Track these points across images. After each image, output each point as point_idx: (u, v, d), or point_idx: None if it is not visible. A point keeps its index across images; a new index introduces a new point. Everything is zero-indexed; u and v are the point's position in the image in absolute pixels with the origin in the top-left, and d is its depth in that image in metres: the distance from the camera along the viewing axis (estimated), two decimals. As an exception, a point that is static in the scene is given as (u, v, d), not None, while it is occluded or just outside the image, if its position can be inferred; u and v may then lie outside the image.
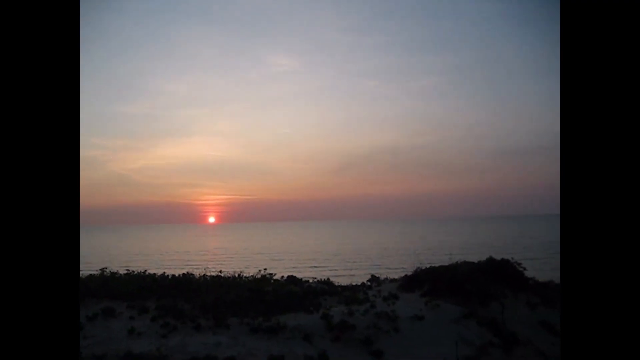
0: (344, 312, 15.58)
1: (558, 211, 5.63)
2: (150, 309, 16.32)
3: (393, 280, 22.33)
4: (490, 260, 21.48)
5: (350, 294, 18.66)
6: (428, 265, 21.46)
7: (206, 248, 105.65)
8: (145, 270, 22.57)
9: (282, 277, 22.61)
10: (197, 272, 22.48)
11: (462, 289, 18.19)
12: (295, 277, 22.65)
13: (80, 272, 21.55)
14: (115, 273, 21.43)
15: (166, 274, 21.99)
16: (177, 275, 21.94)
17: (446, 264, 21.61)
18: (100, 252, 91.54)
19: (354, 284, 22.22)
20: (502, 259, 21.49)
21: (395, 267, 47.84)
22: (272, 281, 21.21)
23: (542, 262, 50.89)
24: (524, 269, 21.22)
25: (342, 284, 21.81)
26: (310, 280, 22.14)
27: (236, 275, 21.50)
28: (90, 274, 21.48)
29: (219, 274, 21.79)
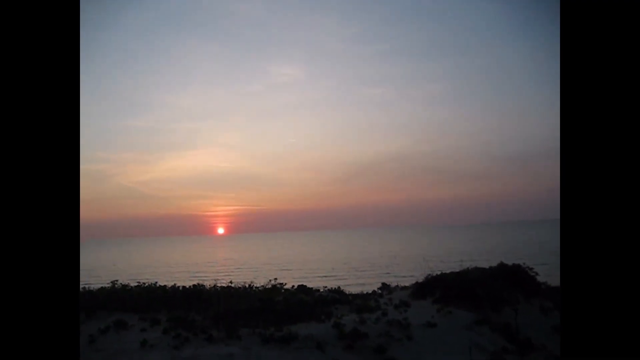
0: (355, 320, 15.52)
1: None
2: (162, 320, 16.31)
3: (404, 288, 22.24)
4: (502, 265, 21.36)
5: (362, 302, 18.59)
6: (439, 272, 21.34)
7: (215, 259, 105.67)
8: (156, 283, 22.55)
9: (293, 286, 22.54)
10: (207, 284, 22.45)
11: (474, 295, 18.08)
12: (305, 286, 22.58)
13: (91, 286, 21.63)
14: (126, 285, 21.42)
15: (177, 286, 21.96)
16: (187, 286, 21.93)
17: (457, 270, 21.50)
18: (109, 265, 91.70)
19: (364, 292, 22.12)
20: (514, 264, 21.38)
21: (404, 275, 47.63)
22: (283, 291, 21.15)
23: (553, 267, 50.41)
24: (536, 273, 21.08)
25: (353, 293, 21.72)
26: (321, 289, 22.05)
27: (247, 285, 21.46)
28: (102, 287, 21.49)
29: (230, 284, 21.75)
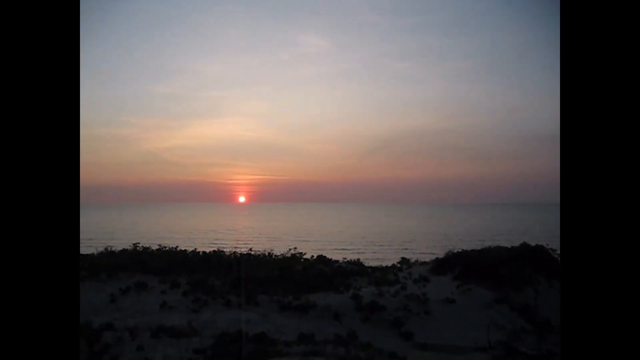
0: (374, 292, 15.47)
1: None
2: (182, 284, 16.47)
3: (423, 263, 22.13)
4: (524, 245, 21.09)
5: (381, 275, 18.55)
6: (459, 250, 21.17)
7: (234, 227, 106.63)
8: (177, 247, 22.77)
9: (312, 256, 22.58)
10: (227, 250, 22.62)
11: (495, 273, 17.91)
12: (325, 257, 22.60)
13: (112, 247, 21.88)
14: (147, 248, 21.66)
15: (197, 251, 22.16)
16: (207, 252, 22.12)
17: (477, 248, 21.30)
18: (131, 228, 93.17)
19: (383, 265, 22.06)
20: (537, 245, 21.08)
21: (422, 252, 47.40)
22: (302, 260, 21.20)
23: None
24: (559, 256, 20.77)
25: (372, 265, 21.69)
26: (340, 260, 22.05)
27: (266, 253, 21.55)
28: (123, 249, 21.76)
29: (249, 251, 21.87)
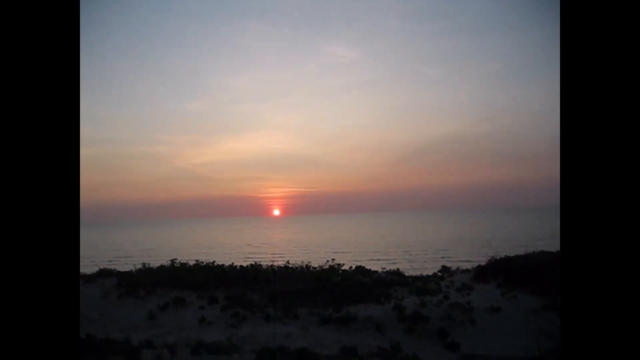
0: (416, 303, 15.03)
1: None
2: (220, 298, 16.31)
3: (465, 271, 21.54)
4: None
5: (422, 285, 18.05)
6: (502, 256, 20.52)
7: (269, 240, 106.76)
8: (214, 262, 22.69)
9: (350, 267, 22.20)
10: (263, 263, 22.46)
11: (541, 279, 17.23)
12: (363, 267, 22.22)
13: (149, 264, 21.92)
14: (185, 264, 21.64)
15: (234, 265, 22.05)
16: (244, 266, 21.98)
17: (521, 254, 20.62)
18: (167, 244, 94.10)
19: (424, 274, 21.52)
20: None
21: (461, 259, 46.38)
22: (340, 272, 20.85)
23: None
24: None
25: (412, 275, 21.18)
26: (379, 271, 21.62)
27: (303, 265, 21.28)
28: (161, 265, 21.78)
29: (287, 264, 21.65)
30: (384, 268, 22.74)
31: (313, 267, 21.14)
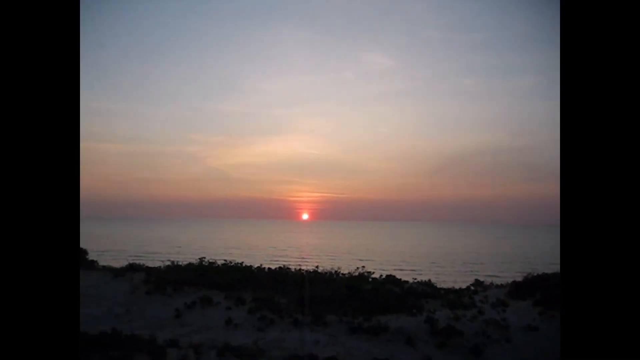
0: (449, 316, 14.47)
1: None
2: (247, 300, 16.01)
3: (500, 286, 20.83)
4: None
5: (455, 298, 17.48)
6: (540, 272, 19.77)
7: (296, 244, 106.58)
8: (242, 262, 22.46)
9: (381, 275, 21.71)
10: (291, 267, 22.14)
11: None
12: (394, 276, 21.69)
13: (177, 262, 21.79)
14: (213, 263, 21.44)
15: (262, 267, 21.78)
16: (273, 268, 21.69)
17: (553, 271, 19.82)
18: (194, 243, 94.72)
19: (456, 287, 20.91)
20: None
21: (489, 274, 45.27)
22: (370, 279, 20.39)
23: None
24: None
25: (444, 287, 20.59)
26: (410, 281, 21.07)
27: (333, 271, 20.86)
28: (189, 263, 21.63)
29: (315, 269, 21.28)
30: (415, 278, 22.19)
31: (342, 274, 20.69)
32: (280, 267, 21.83)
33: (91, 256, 24.10)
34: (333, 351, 11.73)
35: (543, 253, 79.42)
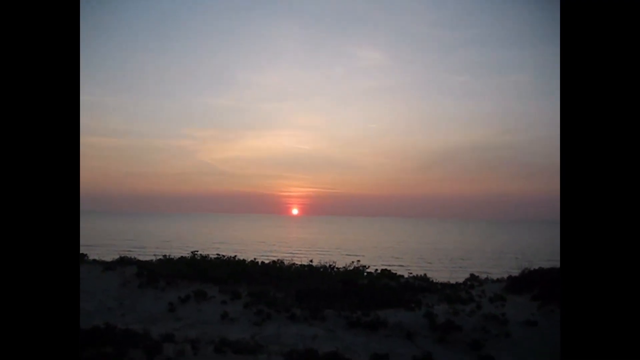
0: (448, 311, 14.29)
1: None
2: (242, 294, 15.73)
3: (496, 281, 20.69)
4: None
5: (452, 292, 17.30)
6: (536, 267, 19.65)
7: (286, 238, 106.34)
8: (235, 256, 22.17)
9: (376, 270, 21.50)
10: (285, 261, 21.86)
11: (579, 294, 16.38)
12: (389, 270, 21.48)
13: (169, 255, 21.44)
14: (206, 256, 21.13)
15: (256, 260, 21.50)
16: (266, 262, 21.43)
17: (546, 266, 19.71)
18: (186, 237, 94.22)
19: (451, 282, 20.73)
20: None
21: (479, 270, 45.09)
22: (366, 274, 20.16)
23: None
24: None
25: (441, 282, 20.41)
26: (406, 275, 20.87)
27: (327, 265, 20.61)
28: (182, 256, 21.31)
29: (310, 263, 21.03)
30: (411, 273, 21.99)
31: (337, 268, 20.45)
32: (274, 261, 21.56)
33: (80, 249, 23.65)
34: (332, 346, 11.49)
35: (534, 249, 79.73)
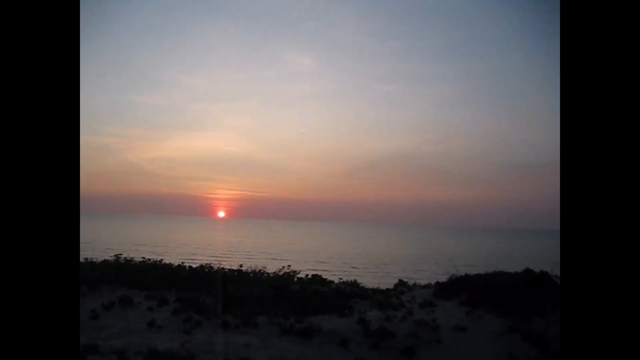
0: (380, 317, 14.31)
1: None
2: (170, 300, 15.14)
3: (424, 287, 21.02)
4: (528, 272, 20.10)
5: (383, 298, 17.38)
6: (463, 274, 20.14)
7: (211, 241, 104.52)
8: (162, 260, 21.39)
9: (307, 275, 21.33)
10: (214, 265, 21.29)
11: (505, 300, 16.87)
12: (320, 276, 21.36)
13: (91, 258, 20.40)
14: (131, 260, 20.27)
15: (184, 264, 20.83)
16: (195, 267, 20.80)
17: (474, 273, 20.27)
18: (108, 239, 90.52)
19: (381, 287, 20.87)
20: (541, 272, 20.07)
21: (403, 276, 45.86)
22: (296, 280, 19.94)
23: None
24: (563, 283, 19.81)
25: (371, 288, 20.49)
26: (336, 281, 20.82)
27: (257, 270, 20.22)
28: (105, 260, 20.32)
29: (240, 268, 20.58)
30: (341, 278, 21.98)
31: (267, 273, 20.10)
32: (202, 266, 20.95)
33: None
34: (265, 354, 11.22)
35: (454, 254, 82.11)
